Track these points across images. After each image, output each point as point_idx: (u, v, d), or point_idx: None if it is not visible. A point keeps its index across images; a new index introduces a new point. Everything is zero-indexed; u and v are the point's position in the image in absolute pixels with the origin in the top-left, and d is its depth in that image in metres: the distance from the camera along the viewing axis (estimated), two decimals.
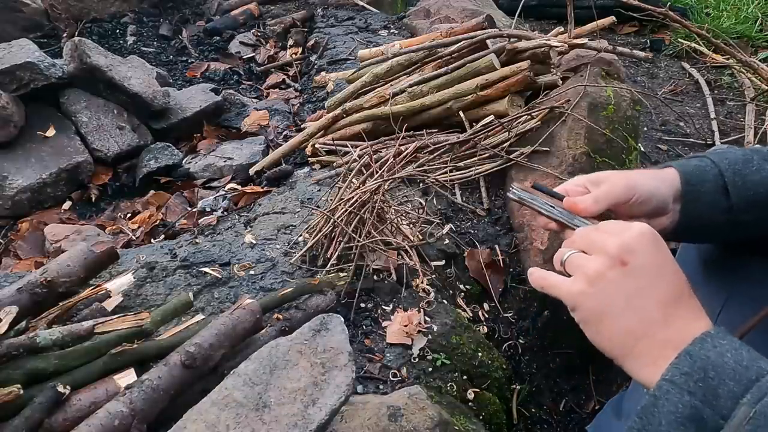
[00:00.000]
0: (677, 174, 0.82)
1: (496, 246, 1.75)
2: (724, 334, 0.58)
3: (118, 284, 1.30)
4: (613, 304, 0.62)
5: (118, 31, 3.60)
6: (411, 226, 1.62)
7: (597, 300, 0.64)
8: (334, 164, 2.02)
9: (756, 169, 0.82)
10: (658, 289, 0.62)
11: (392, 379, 1.25)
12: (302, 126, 2.49)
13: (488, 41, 2.06)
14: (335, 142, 2.12)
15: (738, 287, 0.90)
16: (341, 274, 1.41)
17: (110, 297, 1.27)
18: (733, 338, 0.58)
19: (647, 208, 0.79)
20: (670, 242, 0.87)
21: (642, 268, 0.62)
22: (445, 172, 1.82)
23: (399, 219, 1.58)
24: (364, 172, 1.60)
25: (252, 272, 1.48)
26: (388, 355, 1.30)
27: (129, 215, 2.21)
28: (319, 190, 1.87)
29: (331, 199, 1.60)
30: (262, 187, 2.14)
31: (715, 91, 3.02)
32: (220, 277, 1.45)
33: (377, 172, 1.57)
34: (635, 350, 0.61)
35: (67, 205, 2.28)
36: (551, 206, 0.78)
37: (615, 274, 0.63)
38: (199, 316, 1.24)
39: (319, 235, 1.49)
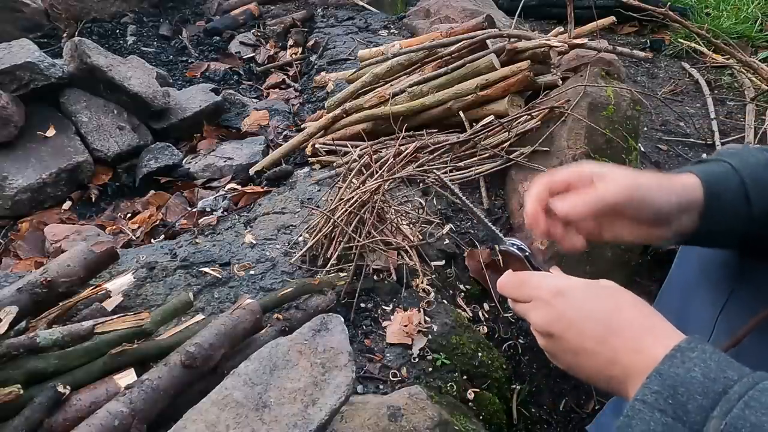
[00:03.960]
0: (699, 182, 0.78)
1: (497, 246, 1.75)
2: (694, 345, 0.58)
3: (118, 284, 1.30)
4: (567, 362, 0.70)
5: (118, 31, 3.60)
6: (411, 226, 1.62)
7: (557, 360, 0.71)
8: (334, 164, 2.02)
9: None
10: (589, 331, 0.66)
11: (392, 379, 1.25)
12: (302, 126, 2.49)
13: (488, 41, 2.06)
14: (335, 142, 2.12)
15: (737, 290, 0.89)
16: (341, 274, 1.41)
17: (110, 297, 1.27)
18: (704, 348, 0.58)
19: (643, 216, 0.77)
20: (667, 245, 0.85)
21: (565, 331, 0.68)
22: (445, 172, 1.82)
23: (399, 219, 1.58)
24: (364, 172, 1.60)
25: (252, 272, 1.48)
26: (388, 355, 1.30)
27: (129, 215, 2.21)
28: (319, 190, 1.87)
29: (331, 199, 1.60)
30: (262, 187, 2.14)
31: (715, 91, 3.02)
32: (220, 277, 1.45)
33: (377, 172, 1.58)
34: (611, 385, 0.65)
35: (67, 205, 2.28)
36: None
37: (552, 345, 0.70)
38: (199, 316, 1.24)
39: (319, 235, 1.49)
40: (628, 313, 0.65)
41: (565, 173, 0.79)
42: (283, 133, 2.59)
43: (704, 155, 2.53)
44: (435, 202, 1.80)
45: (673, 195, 0.77)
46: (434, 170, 1.73)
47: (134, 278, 1.38)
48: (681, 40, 3.45)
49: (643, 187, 0.76)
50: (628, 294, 0.68)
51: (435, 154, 1.86)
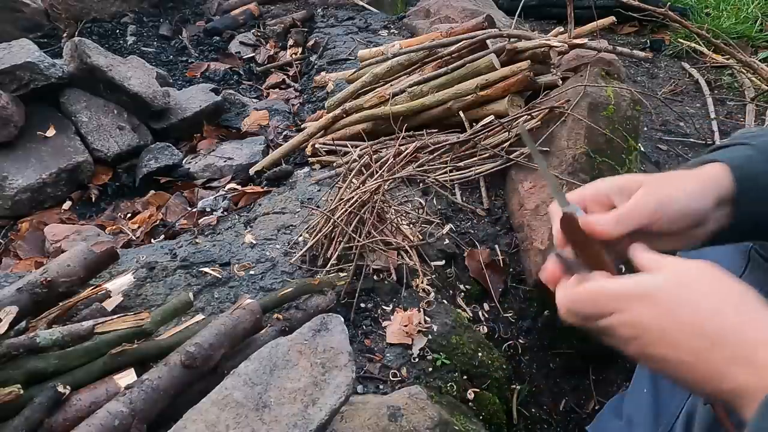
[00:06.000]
0: (726, 169, 0.70)
1: (496, 246, 1.75)
2: None
3: (118, 284, 1.30)
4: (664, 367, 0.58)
5: (118, 31, 3.60)
6: (411, 226, 1.62)
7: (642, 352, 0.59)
8: (334, 164, 2.02)
9: None
10: (685, 343, 0.55)
11: (392, 379, 1.25)
12: (302, 126, 2.49)
13: (488, 41, 2.06)
14: (335, 142, 2.12)
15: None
16: (341, 274, 1.41)
17: (110, 297, 1.27)
18: None
19: (677, 227, 0.68)
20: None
21: (655, 345, 0.57)
22: (445, 172, 1.82)
23: (399, 219, 1.58)
24: (364, 172, 1.60)
25: (252, 272, 1.48)
26: (388, 355, 1.30)
27: (129, 215, 2.21)
28: (319, 190, 1.87)
29: (331, 199, 1.60)
30: (262, 187, 2.14)
31: (715, 91, 3.02)
32: (220, 277, 1.45)
33: (377, 172, 1.58)
34: (719, 397, 0.55)
35: (67, 205, 2.28)
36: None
37: (643, 349, 0.58)
38: (199, 316, 1.24)
39: (319, 235, 1.49)
40: (732, 317, 0.54)
41: (586, 192, 0.72)
42: (283, 133, 2.59)
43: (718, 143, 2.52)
44: (435, 202, 1.80)
45: (707, 194, 0.69)
46: (433, 175, 1.73)
47: (134, 278, 1.38)
48: (681, 40, 3.45)
49: (672, 199, 0.67)
50: (729, 285, 0.56)
51: (435, 154, 1.86)
